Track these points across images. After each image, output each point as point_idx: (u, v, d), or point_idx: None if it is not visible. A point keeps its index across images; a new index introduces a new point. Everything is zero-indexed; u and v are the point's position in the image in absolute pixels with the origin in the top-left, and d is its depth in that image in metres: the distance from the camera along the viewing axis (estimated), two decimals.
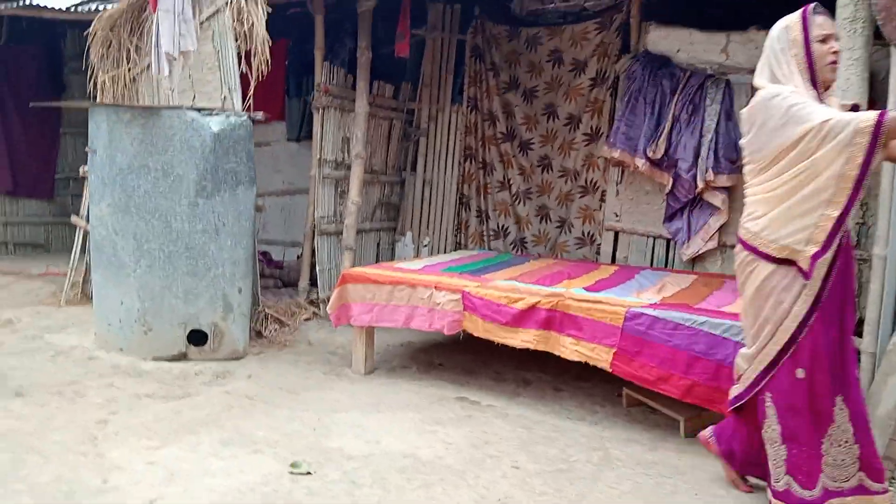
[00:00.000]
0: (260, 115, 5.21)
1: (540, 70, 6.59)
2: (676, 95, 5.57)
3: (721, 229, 5.56)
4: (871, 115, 2.74)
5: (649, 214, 5.91)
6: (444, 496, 3.19)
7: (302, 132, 7.79)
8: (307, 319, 5.96)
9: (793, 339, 2.93)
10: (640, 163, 5.68)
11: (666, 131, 5.59)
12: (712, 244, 5.59)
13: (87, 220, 6.30)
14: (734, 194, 5.48)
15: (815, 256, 2.84)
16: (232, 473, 3.30)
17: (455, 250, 6.77)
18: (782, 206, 2.90)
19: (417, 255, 6.87)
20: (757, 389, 3.07)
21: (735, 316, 3.88)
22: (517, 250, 6.67)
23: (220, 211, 4.84)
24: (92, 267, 5.11)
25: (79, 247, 6.41)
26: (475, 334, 4.47)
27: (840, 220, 2.80)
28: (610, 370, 4.04)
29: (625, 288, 4.64)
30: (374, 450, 3.65)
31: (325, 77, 6.10)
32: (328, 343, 5.59)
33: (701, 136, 5.45)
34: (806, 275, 2.87)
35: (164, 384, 4.46)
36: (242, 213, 4.99)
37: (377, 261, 6.73)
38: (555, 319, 4.19)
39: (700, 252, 5.62)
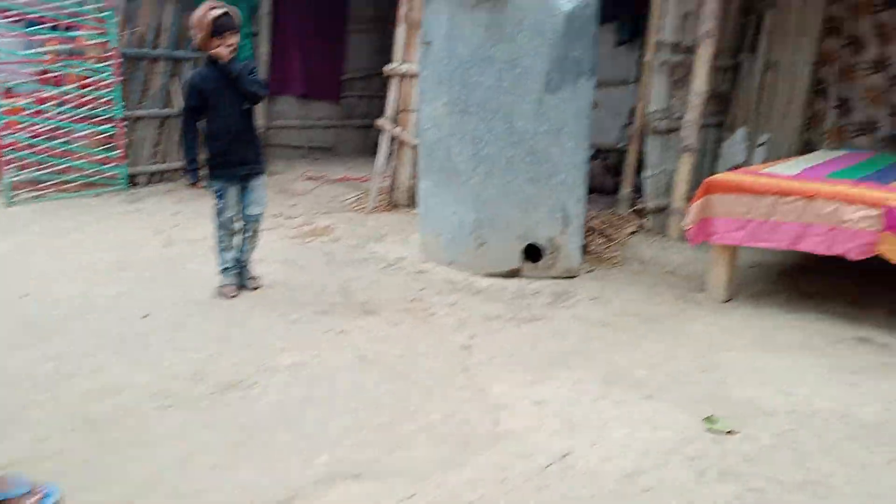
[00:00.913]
0: None
1: None
2: None
3: None
4: None
5: None
6: None
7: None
8: (632, 233, 5.26)
9: None
10: None
11: None
12: None
13: (392, 124, 6.02)
14: None
15: None
16: (638, 425, 2.75)
17: (807, 150, 5.62)
18: None
19: (750, 155, 5.81)
20: None
21: None
22: (892, 149, 5.34)
23: (563, 107, 4.21)
24: (421, 173, 4.77)
25: (385, 151, 6.19)
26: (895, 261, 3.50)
27: None
28: None
29: None
30: (794, 405, 2.94)
31: None
32: (663, 261, 4.88)
33: None
34: None
35: (507, 304, 4.04)
36: (582, 110, 4.33)
37: (701, 162, 5.77)
38: None
39: None
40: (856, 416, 2.85)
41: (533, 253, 4.44)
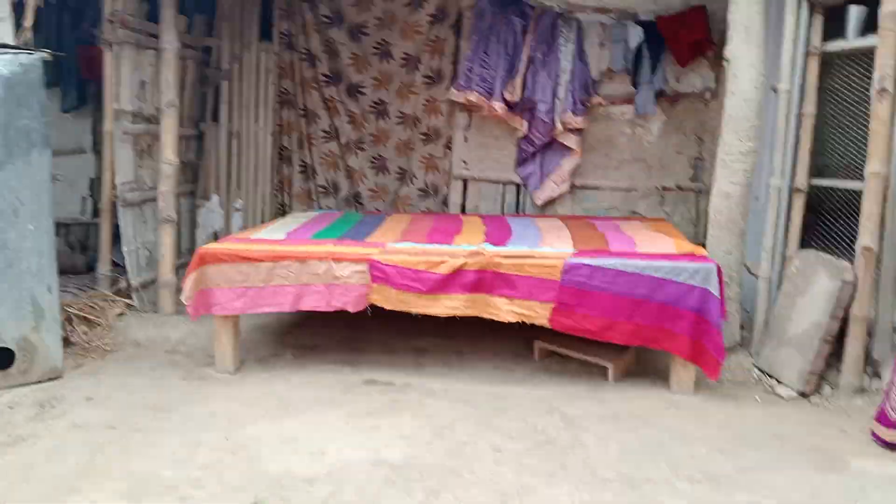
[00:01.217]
0: (47, 54, 3.84)
1: (368, 3, 5.77)
2: (529, 34, 5.32)
3: (573, 171, 5.53)
4: None
5: (500, 160, 5.65)
6: (460, 502, 2.67)
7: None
8: (120, 314, 4.69)
9: None
10: (498, 106, 5.35)
11: (522, 72, 5.33)
12: (565, 187, 5.53)
13: None
14: (584, 136, 5.47)
15: None
16: None
17: (280, 212, 5.87)
18: None
19: (228, 221, 5.81)
20: None
21: (669, 257, 3.85)
22: (353, 207, 5.96)
23: (16, 184, 3.53)
24: None
25: None
26: (386, 307, 3.86)
27: None
28: (549, 325, 3.80)
29: (523, 238, 4.34)
30: (329, 465, 2.95)
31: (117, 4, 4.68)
32: (161, 341, 4.47)
33: (557, 76, 5.30)
34: None
35: None
36: (41, 186, 3.71)
37: (181, 231, 5.49)
38: (485, 281, 3.79)
39: (553, 196, 5.54)
40: (387, 461, 2.97)
41: (1, 358, 3.57)
